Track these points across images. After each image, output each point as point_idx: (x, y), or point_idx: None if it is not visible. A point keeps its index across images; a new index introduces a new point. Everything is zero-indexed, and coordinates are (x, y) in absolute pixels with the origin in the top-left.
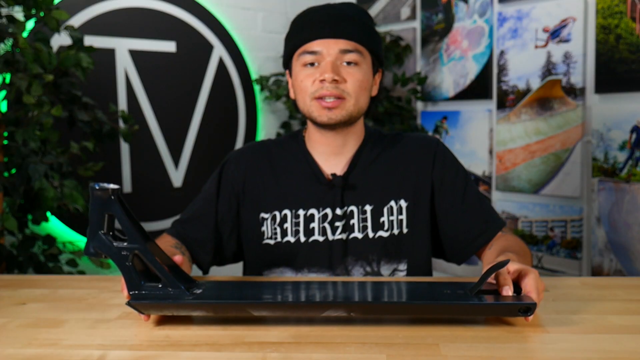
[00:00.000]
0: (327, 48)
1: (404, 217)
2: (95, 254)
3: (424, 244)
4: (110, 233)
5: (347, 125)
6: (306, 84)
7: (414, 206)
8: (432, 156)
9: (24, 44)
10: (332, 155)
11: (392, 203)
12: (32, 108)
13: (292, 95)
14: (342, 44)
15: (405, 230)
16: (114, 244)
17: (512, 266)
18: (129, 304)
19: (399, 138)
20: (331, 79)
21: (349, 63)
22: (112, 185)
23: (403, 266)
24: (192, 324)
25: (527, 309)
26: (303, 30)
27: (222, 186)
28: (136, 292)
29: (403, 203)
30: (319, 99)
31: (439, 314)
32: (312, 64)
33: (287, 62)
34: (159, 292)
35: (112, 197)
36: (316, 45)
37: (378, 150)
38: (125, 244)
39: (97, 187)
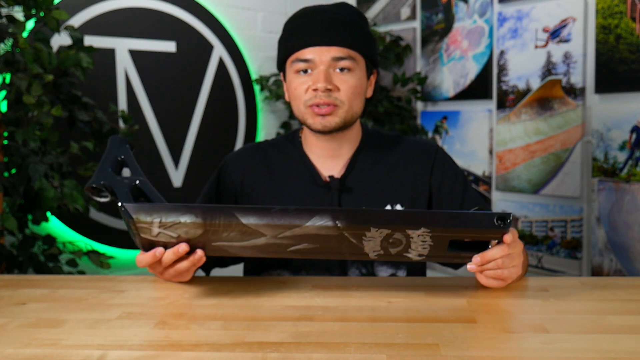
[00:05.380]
0: (320, 56)
1: None
2: (99, 187)
3: None
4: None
5: (342, 130)
6: (299, 91)
7: None
8: (431, 162)
9: (24, 44)
10: (329, 158)
11: (388, 207)
12: (32, 108)
13: (287, 98)
14: (335, 51)
15: None
16: (119, 177)
17: (507, 239)
18: (120, 206)
19: (398, 141)
20: (324, 88)
21: (342, 69)
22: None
23: (402, 273)
24: (192, 324)
25: (504, 217)
26: (295, 36)
27: (219, 189)
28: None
29: (399, 207)
30: (313, 107)
31: (419, 223)
32: (305, 71)
33: (281, 66)
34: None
35: (127, 145)
36: (308, 52)
37: (376, 153)
38: (128, 177)
39: (117, 135)
